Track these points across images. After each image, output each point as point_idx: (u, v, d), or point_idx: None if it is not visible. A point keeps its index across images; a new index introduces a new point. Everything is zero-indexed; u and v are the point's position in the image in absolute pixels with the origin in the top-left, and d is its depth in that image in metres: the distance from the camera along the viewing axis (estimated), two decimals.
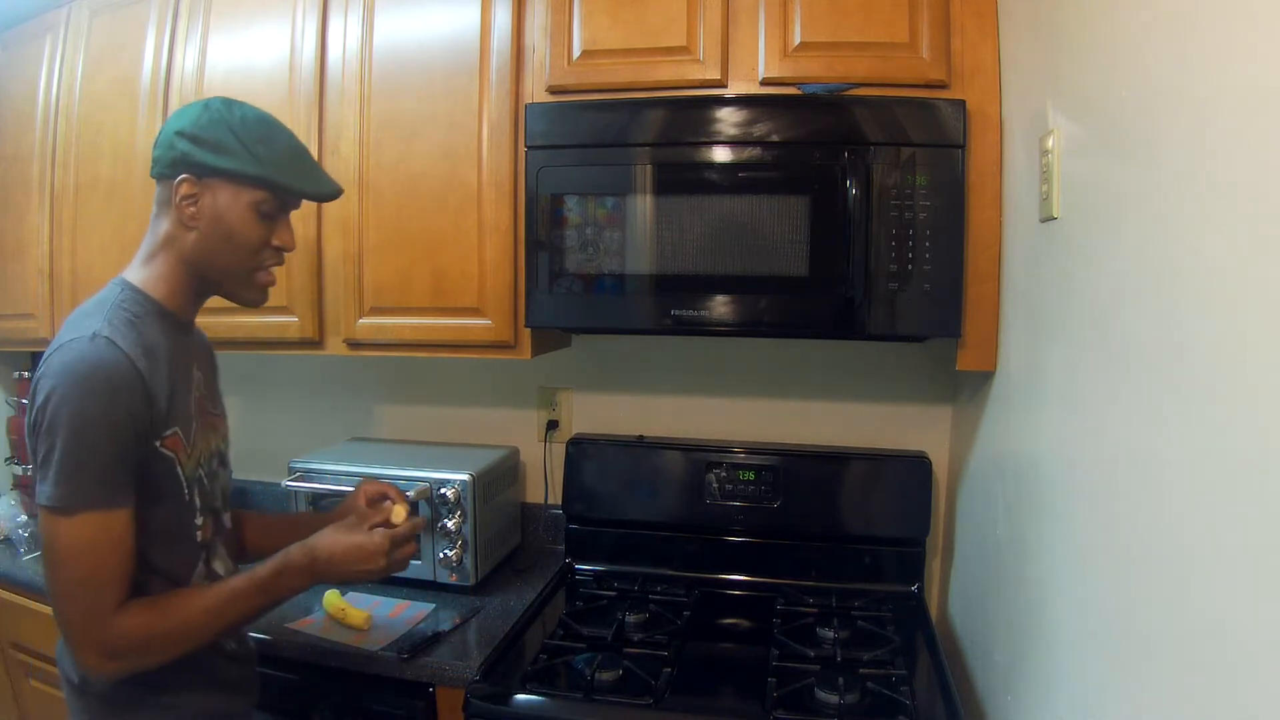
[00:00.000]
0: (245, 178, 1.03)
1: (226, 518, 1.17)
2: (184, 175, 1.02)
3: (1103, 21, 0.93)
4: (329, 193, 1.13)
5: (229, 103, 1.05)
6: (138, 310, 1.01)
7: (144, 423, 0.95)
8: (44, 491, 0.91)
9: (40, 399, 0.91)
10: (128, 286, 1.04)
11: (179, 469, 1.02)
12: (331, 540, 1.07)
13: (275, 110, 1.59)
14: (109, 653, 0.94)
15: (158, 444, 0.98)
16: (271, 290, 1.14)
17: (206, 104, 1.04)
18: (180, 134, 1.02)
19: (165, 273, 1.05)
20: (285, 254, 1.12)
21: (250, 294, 1.10)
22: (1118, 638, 0.82)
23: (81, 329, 0.94)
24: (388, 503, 1.22)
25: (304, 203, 1.13)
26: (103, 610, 0.92)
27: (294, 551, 1.05)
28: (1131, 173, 0.84)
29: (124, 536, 0.93)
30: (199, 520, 1.06)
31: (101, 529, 0.91)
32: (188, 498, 1.04)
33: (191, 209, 1.03)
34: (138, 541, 0.96)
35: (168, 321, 1.05)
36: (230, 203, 1.03)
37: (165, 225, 1.05)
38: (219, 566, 1.12)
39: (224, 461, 1.18)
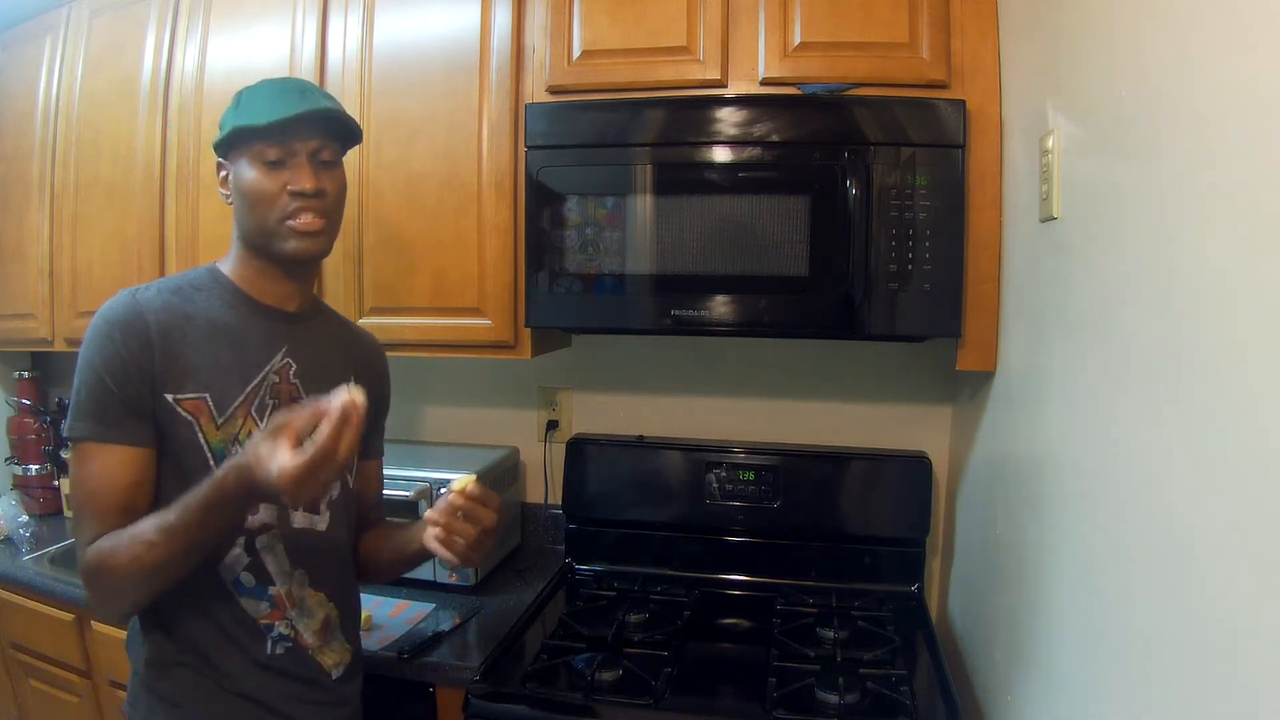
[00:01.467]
0: (234, 135, 1.03)
1: (305, 518, 1.09)
2: (218, 160, 1.08)
3: (1102, 21, 0.93)
4: (301, 113, 1.01)
5: (248, 88, 1.08)
6: (200, 284, 1.06)
7: (146, 369, 0.97)
8: (65, 423, 1.01)
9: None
10: (207, 268, 1.10)
11: (200, 436, 0.99)
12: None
13: None
14: (85, 580, 0.96)
15: (170, 398, 0.98)
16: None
17: (238, 92, 1.08)
18: (217, 128, 1.07)
19: (235, 255, 1.10)
20: (316, 198, 1.04)
21: (288, 244, 1.04)
22: (1118, 637, 0.82)
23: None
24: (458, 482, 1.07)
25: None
26: (86, 538, 0.95)
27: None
28: (1131, 173, 0.84)
29: (121, 473, 0.96)
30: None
31: (97, 460, 0.96)
32: (212, 467, 0.98)
33: (224, 190, 1.08)
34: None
35: (240, 300, 1.07)
36: (242, 167, 1.04)
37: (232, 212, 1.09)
38: (269, 561, 1.04)
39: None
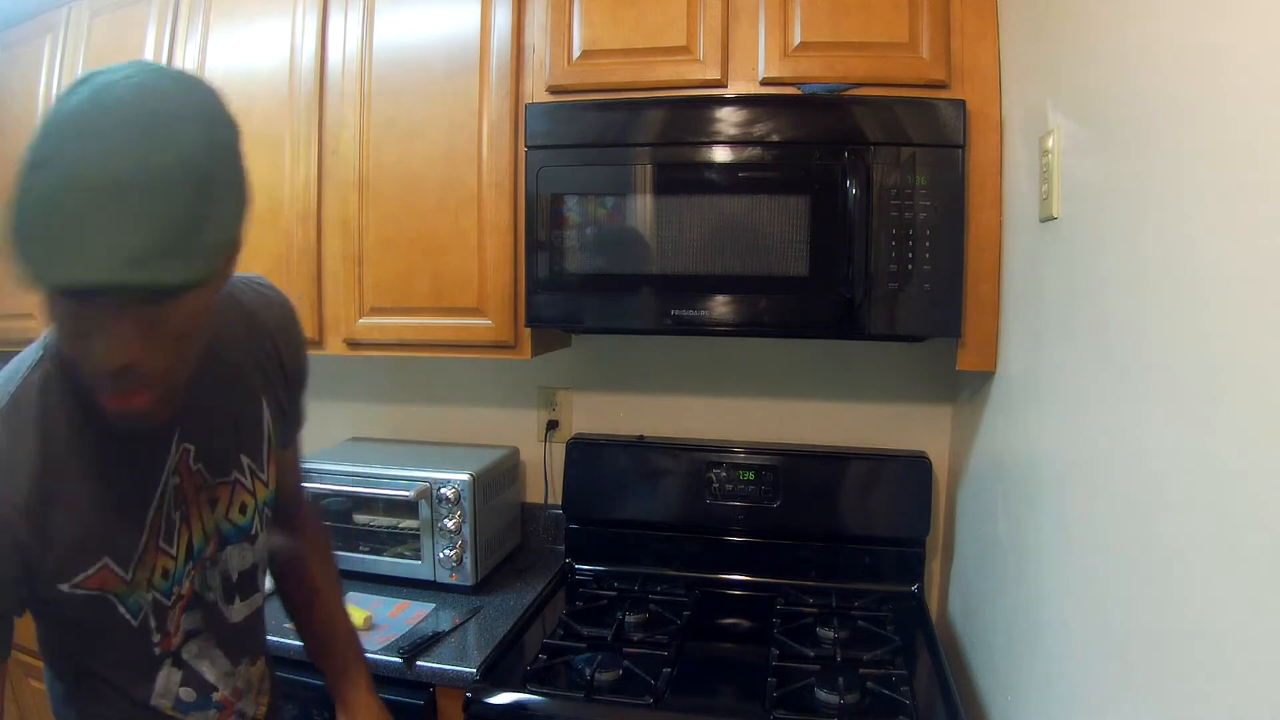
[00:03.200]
0: None
1: (244, 606, 0.93)
2: None
3: (1102, 21, 0.93)
4: (78, 280, 0.59)
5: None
6: (48, 392, 0.74)
7: (22, 570, 0.73)
8: None
9: None
10: (37, 361, 0.75)
11: (115, 602, 0.79)
12: None
13: (275, 111, 1.64)
14: None
15: (65, 588, 0.75)
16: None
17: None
18: None
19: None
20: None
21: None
22: (1117, 637, 0.82)
23: None
24: None
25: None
26: None
27: None
28: (1131, 173, 0.84)
29: None
30: (156, 638, 0.84)
31: None
32: (137, 624, 0.81)
33: None
34: (76, 652, 0.83)
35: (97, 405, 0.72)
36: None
37: None
38: (207, 670, 0.89)
39: (241, 535, 0.91)
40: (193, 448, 0.85)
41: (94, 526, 0.76)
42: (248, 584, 0.93)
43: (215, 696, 0.90)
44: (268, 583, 1.01)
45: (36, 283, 0.60)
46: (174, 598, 0.84)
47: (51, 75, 1.86)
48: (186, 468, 0.84)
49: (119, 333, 0.64)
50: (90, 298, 0.60)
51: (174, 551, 0.83)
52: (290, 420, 1.02)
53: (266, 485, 0.94)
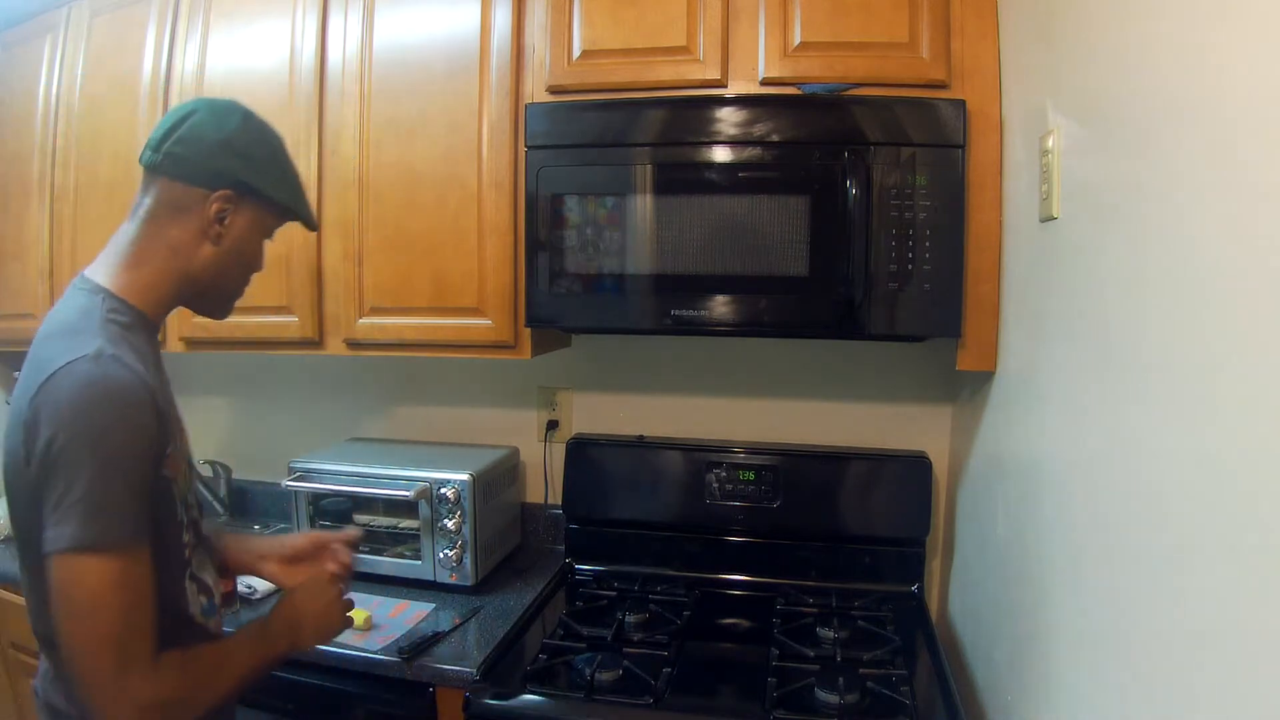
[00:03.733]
0: (277, 205, 1.03)
1: (203, 521, 1.07)
2: (225, 190, 0.96)
3: (1102, 21, 0.93)
4: (315, 222, 1.13)
5: (255, 117, 1.02)
6: (126, 321, 0.92)
7: (159, 447, 0.87)
8: (65, 534, 0.79)
9: (48, 431, 0.80)
10: (109, 295, 0.93)
11: (174, 489, 0.92)
12: (308, 608, 1.07)
13: (275, 110, 1.62)
14: (148, 708, 0.83)
15: (162, 468, 0.89)
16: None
17: (245, 115, 1.00)
18: (227, 146, 0.96)
19: (156, 281, 0.96)
20: None
21: (226, 311, 1.08)
22: (1117, 637, 0.82)
23: (79, 347, 0.84)
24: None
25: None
26: (141, 661, 0.82)
27: (275, 624, 1.04)
28: (1132, 173, 0.84)
29: (149, 575, 0.84)
30: (186, 537, 0.96)
31: (133, 568, 0.82)
32: (180, 517, 0.95)
33: (219, 227, 0.97)
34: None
35: (150, 331, 0.98)
36: (253, 225, 1.02)
37: (175, 232, 0.96)
38: (207, 576, 1.02)
39: (192, 465, 1.06)
40: (167, 378, 1.02)
41: (170, 418, 0.92)
42: (200, 505, 1.06)
43: (215, 600, 1.04)
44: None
45: (306, 220, 1.09)
46: (190, 500, 0.99)
47: (51, 75, 1.86)
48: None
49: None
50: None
51: (184, 454, 0.99)
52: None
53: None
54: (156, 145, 0.96)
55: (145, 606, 0.84)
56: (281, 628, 1.04)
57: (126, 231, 0.97)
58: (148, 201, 0.97)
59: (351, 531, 1.23)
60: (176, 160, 0.95)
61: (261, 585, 1.55)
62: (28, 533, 0.86)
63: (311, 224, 1.11)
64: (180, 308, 1.04)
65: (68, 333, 0.88)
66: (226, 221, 0.98)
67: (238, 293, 1.07)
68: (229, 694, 0.95)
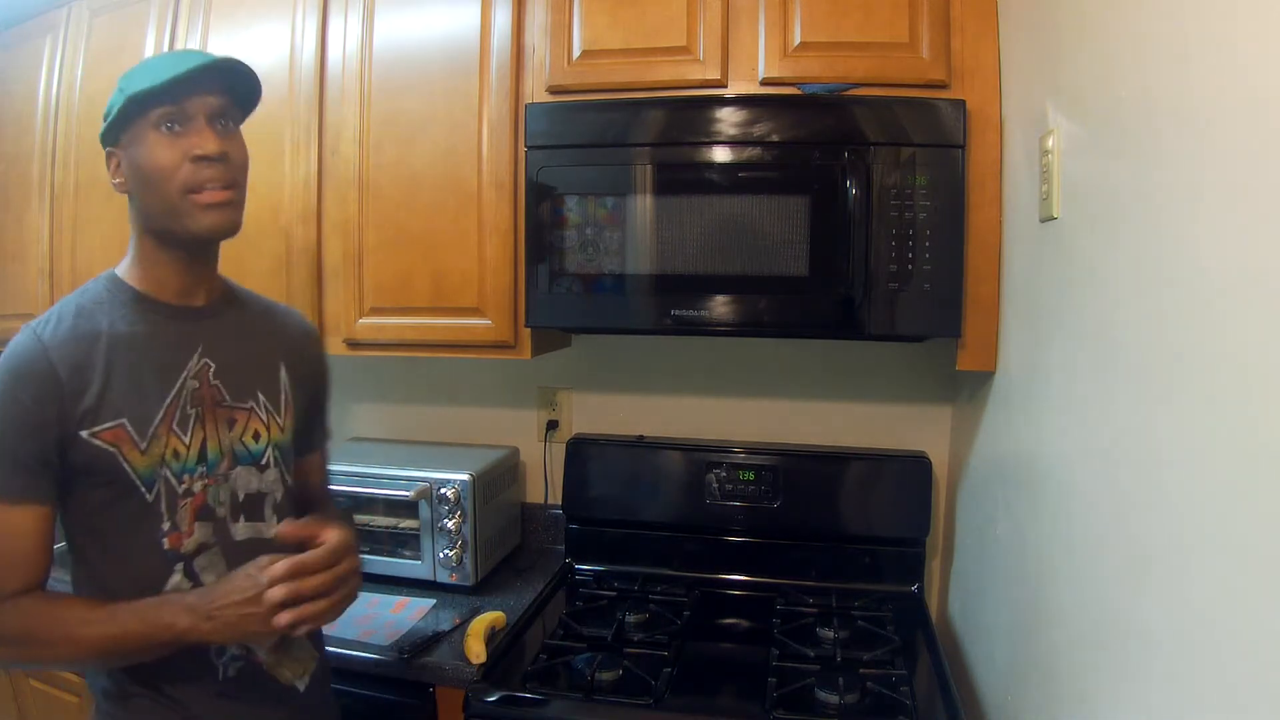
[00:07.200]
0: (123, 108, 0.93)
1: (248, 527, 1.02)
2: (107, 152, 0.99)
3: (1102, 21, 0.93)
4: (196, 66, 0.92)
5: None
6: (99, 299, 0.98)
7: (53, 417, 0.90)
8: None
9: None
10: (104, 277, 1.02)
11: (125, 464, 0.93)
12: (224, 600, 0.91)
13: (275, 111, 1.63)
14: None
15: (85, 434, 0.91)
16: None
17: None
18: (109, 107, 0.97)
19: (135, 254, 1.01)
20: (220, 162, 0.95)
21: (196, 220, 0.95)
22: (1118, 637, 0.82)
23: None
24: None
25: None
26: None
27: (183, 599, 0.93)
28: (1131, 173, 0.84)
29: (25, 532, 0.90)
30: (166, 526, 0.95)
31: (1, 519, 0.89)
32: (150, 499, 0.94)
33: (118, 178, 0.99)
34: (91, 552, 0.95)
35: (145, 307, 0.98)
36: (134, 143, 0.95)
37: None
38: (211, 581, 0.97)
39: (252, 460, 1.04)
40: (213, 365, 1.02)
41: (122, 392, 0.94)
42: (253, 508, 1.04)
43: None
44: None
45: (167, 85, 0.91)
46: (185, 487, 0.97)
47: (51, 75, 1.86)
48: (206, 378, 1.01)
49: (214, 130, 0.95)
50: (200, 92, 0.94)
51: (186, 440, 0.98)
52: (316, 428, 1.21)
53: (282, 430, 1.09)
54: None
55: (12, 553, 0.90)
56: (185, 606, 0.91)
57: None
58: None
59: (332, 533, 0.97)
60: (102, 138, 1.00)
61: None
62: None
63: (164, 80, 0.91)
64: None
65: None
66: (119, 168, 0.98)
67: (181, 201, 0.95)
68: (85, 655, 0.92)
